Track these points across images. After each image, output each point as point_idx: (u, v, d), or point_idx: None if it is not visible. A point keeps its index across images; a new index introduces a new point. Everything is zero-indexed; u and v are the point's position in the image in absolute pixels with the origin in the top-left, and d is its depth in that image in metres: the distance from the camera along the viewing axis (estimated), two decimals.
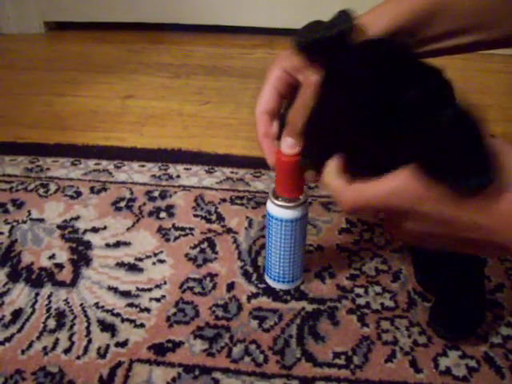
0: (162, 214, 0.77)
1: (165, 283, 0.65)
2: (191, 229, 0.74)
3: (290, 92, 0.52)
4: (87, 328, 0.59)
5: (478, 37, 0.49)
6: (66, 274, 0.67)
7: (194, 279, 0.66)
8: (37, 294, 0.64)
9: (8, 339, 0.58)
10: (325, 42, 0.43)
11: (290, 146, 0.51)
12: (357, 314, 0.61)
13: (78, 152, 0.93)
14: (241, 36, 1.52)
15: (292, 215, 0.58)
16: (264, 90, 0.53)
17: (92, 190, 0.83)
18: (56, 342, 0.58)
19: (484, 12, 0.48)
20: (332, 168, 0.46)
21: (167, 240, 0.72)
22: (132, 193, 0.82)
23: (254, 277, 0.66)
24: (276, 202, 0.57)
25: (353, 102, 0.42)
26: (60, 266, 0.68)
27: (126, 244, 0.72)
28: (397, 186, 0.40)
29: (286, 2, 1.47)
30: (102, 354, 0.56)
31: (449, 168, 0.37)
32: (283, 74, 0.51)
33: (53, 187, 0.83)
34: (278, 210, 0.58)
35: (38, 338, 0.58)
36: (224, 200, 0.80)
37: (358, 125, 0.43)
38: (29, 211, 0.78)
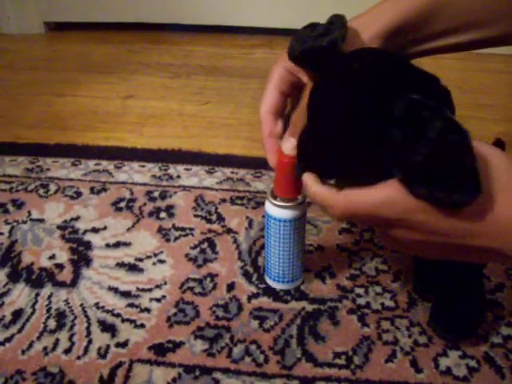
0: (162, 215, 0.77)
1: (165, 283, 0.65)
2: (191, 229, 0.74)
3: (293, 91, 0.52)
4: (87, 328, 0.59)
5: (477, 35, 0.49)
6: (66, 275, 0.67)
7: (195, 279, 0.66)
8: (37, 295, 0.64)
9: (8, 339, 0.58)
10: (316, 52, 0.44)
11: (291, 146, 0.50)
12: (357, 314, 0.61)
13: (78, 152, 0.93)
14: (241, 36, 1.52)
15: (290, 215, 0.58)
16: (267, 90, 0.52)
17: (92, 190, 0.83)
18: (56, 343, 0.57)
19: (482, 9, 0.48)
20: (311, 178, 0.47)
21: (167, 240, 0.72)
22: (132, 193, 0.82)
23: (255, 277, 0.66)
24: (274, 202, 0.57)
25: (341, 113, 0.42)
26: (60, 267, 0.68)
27: (126, 244, 0.72)
28: (388, 195, 0.40)
29: (286, 2, 1.47)
30: (103, 354, 0.56)
31: (432, 183, 0.37)
32: (286, 73, 0.51)
33: (53, 187, 0.83)
34: (277, 210, 0.58)
35: (39, 338, 0.58)
36: (224, 200, 0.80)
37: (346, 134, 0.43)
38: (29, 211, 0.78)
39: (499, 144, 0.46)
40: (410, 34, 0.48)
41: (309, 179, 0.47)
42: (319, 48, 0.43)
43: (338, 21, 0.45)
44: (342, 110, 0.42)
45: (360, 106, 0.41)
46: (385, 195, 0.40)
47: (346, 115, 0.42)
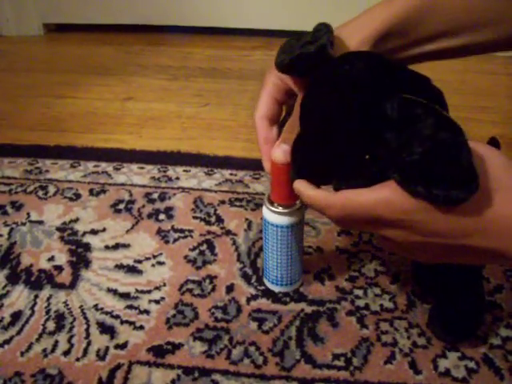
0: (161, 216, 0.77)
1: (164, 285, 0.65)
2: (190, 231, 0.74)
3: (287, 99, 0.52)
4: (86, 330, 0.59)
5: (470, 38, 0.49)
6: (65, 276, 0.67)
7: (194, 281, 0.66)
8: (36, 296, 0.64)
9: (7, 341, 0.58)
10: (305, 59, 0.44)
11: (282, 154, 0.50)
12: (356, 316, 0.61)
13: (77, 154, 0.93)
14: (239, 38, 1.52)
15: (287, 221, 0.57)
16: (261, 97, 0.53)
17: (91, 192, 0.83)
18: (55, 344, 0.57)
19: (473, 13, 0.48)
20: (303, 184, 0.47)
21: (166, 242, 0.72)
22: (131, 195, 0.82)
23: (254, 279, 0.66)
24: (271, 208, 0.57)
25: (332, 117, 0.43)
26: (59, 268, 0.68)
27: (126, 246, 0.72)
28: (385, 196, 0.40)
29: (285, 4, 1.47)
30: (102, 356, 0.56)
31: (429, 181, 0.37)
32: (279, 81, 0.51)
33: (52, 189, 0.83)
34: (274, 216, 0.57)
35: (38, 340, 0.58)
36: (223, 202, 0.80)
37: (341, 136, 0.43)
38: (28, 213, 0.78)
39: (494, 142, 0.46)
40: (400, 38, 0.48)
41: (300, 185, 0.47)
42: (308, 55, 0.43)
43: (323, 28, 0.45)
44: (334, 115, 0.42)
45: (351, 110, 0.42)
46: (382, 195, 0.40)
47: (337, 120, 0.42)
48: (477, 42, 0.49)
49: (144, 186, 0.84)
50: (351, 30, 0.47)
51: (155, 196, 0.82)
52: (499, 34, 0.49)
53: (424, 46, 0.49)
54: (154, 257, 0.70)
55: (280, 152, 0.50)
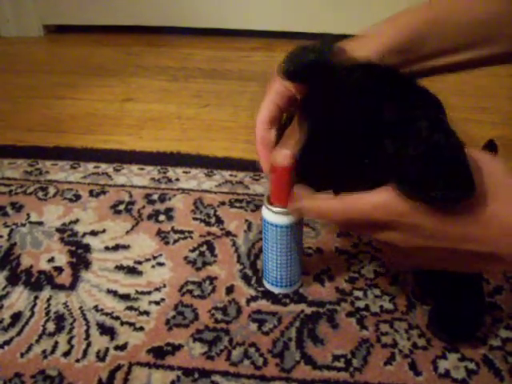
0: (161, 217, 0.77)
1: (164, 286, 0.65)
2: (190, 232, 0.74)
3: (289, 105, 0.52)
4: (86, 331, 0.59)
5: (476, 53, 0.49)
6: (65, 277, 0.67)
7: (194, 282, 0.66)
8: (36, 298, 0.64)
9: (7, 342, 0.58)
10: (306, 66, 0.44)
11: (282, 157, 0.51)
12: (356, 317, 0.61)
13: (77, 155, 0.93)
14: (239, 39, 1.52)
15: (287, 221, 0.57)
16: (264, 103, 0.53)
17: (91, 193, 0.83)
18: (55, 346, 0.57)
19: (479, 28, 0.48)
20: (304, 189, 0.47)
21: (166, 243, 0.72)
22: (131, 196, 0.82)
23: (253, 280, 0.66)
24: (271, 208, 0.57)
25: (331, 121, 0.43)
26: (59, 269, 0.68)
27: (125, 247, 0.72)
28: (383, 199, 0.40)
29: (284, 5, 1.47)
30: (102, 357, 0.56)
31: (426, 184, 0.37)
32: (283, 88, 0.51)
33: (52, 190, 0.83)
34: (273, 216, 0.57)
35: (38, 341, 0.58)
36: (223, 203, 0.80)
37: (339, 141, 0.44)
38: (28, 214, 0.78)
39: (492, 145, 0.47)
40: (405, 54, 0.48)
41: (301, 190, 0.48)
42: (310, 62, 0.44)
43: (327, 37, 0.46)
44: (332, 121, 0.43)
45: (349, 116, 0.42)
46: (380, 199, 0.40)
47: (335, 125, 0.43)
48: (483, 57, 0.50)
49: (144, 187, 0.84)
50: (358, 44, 0.48)
51: (155, 197, 0.82)
52: (504, 49, 0.49)
53: (430, 61, 0.50)
54: (154, 258, 0.70)
55: (280, 156, 0.51)
